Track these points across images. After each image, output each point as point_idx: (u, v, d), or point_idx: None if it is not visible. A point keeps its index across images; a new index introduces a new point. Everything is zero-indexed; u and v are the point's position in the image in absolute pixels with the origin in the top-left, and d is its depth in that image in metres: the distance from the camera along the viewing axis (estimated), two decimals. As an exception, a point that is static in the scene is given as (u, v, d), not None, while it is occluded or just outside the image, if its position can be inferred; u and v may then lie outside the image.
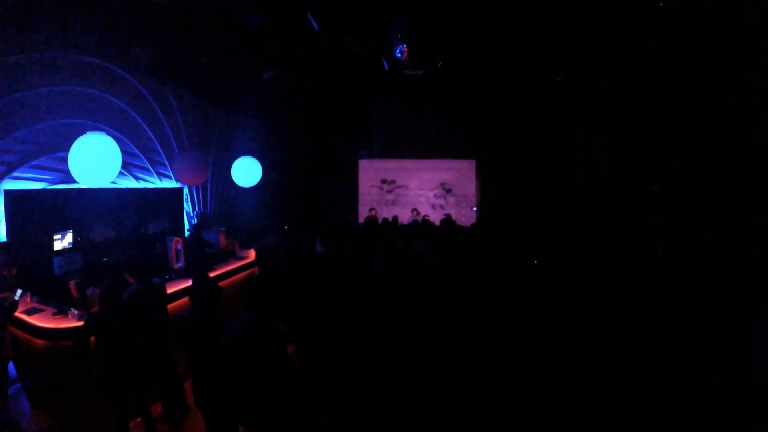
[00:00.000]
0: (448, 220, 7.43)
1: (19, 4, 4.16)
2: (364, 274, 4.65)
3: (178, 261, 5.30)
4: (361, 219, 10.31)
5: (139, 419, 3.34)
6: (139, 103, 6.05)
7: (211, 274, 4.69)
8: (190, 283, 4.02)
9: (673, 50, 5.62)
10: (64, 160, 4.42)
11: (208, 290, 2.87)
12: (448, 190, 10.89)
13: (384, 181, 11.05)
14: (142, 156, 6.14)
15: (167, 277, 4.70)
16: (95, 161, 4.22)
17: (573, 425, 3.13)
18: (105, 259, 5.04)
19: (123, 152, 4.63)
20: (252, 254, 6.30)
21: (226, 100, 8.24)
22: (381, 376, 3.73)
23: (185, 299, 4.22)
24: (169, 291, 4.03)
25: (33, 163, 4.60)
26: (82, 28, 4.86)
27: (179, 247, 5.35)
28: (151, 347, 3.32)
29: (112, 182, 5.25)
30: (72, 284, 3.84)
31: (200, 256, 5.35)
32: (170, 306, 3.98)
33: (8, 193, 4.31)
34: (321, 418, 3.39)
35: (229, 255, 6.22)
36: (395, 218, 8.29)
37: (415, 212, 9.45)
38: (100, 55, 5.24)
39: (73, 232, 4.84)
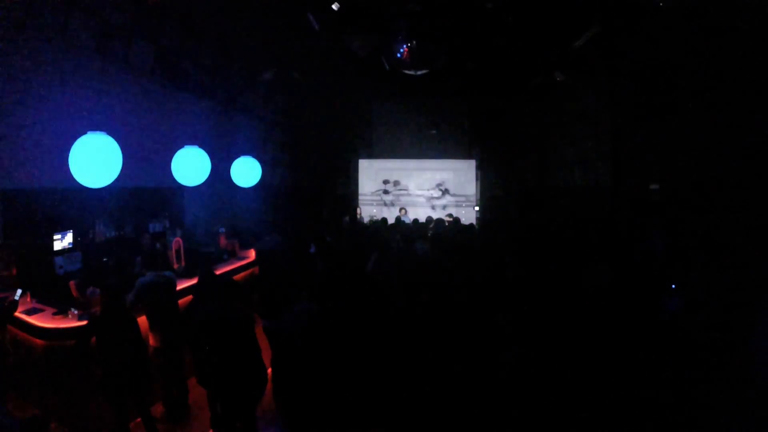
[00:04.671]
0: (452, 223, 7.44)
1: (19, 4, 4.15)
2: (354, 274, 4.65)
3: (178, 261, 5.29)
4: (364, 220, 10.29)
5: (139, 419, 3.34)
6: (140, 103, 6.04)
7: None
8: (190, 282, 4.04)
9: (673, 50, 5.63)
10: (64, 159, 4.41)
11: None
12: (445, 190, 10.88)
13: (386, 182, 11.02)
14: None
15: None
16: (95, 161, 4.21)
17: (573, 424, 3.13)
18: (105, 259, 5.03)
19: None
20: (252, 254, 6.30)
21: (226, 100, 8.22)
22: (380, 375, 3.72)
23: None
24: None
25: (33, 162, 4.59)
26: (83, 28, 4.84)
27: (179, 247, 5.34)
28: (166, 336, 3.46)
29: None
30: (72, 284, 3.84)
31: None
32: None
33: (6, 193, 4.30)
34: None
35: (230, 255, 6.22)
36: (398, 219, 8.27)
37: (402, 211, 9.45)
38: (101, 55, 5.22)
39: (73, 232, 4.83)
